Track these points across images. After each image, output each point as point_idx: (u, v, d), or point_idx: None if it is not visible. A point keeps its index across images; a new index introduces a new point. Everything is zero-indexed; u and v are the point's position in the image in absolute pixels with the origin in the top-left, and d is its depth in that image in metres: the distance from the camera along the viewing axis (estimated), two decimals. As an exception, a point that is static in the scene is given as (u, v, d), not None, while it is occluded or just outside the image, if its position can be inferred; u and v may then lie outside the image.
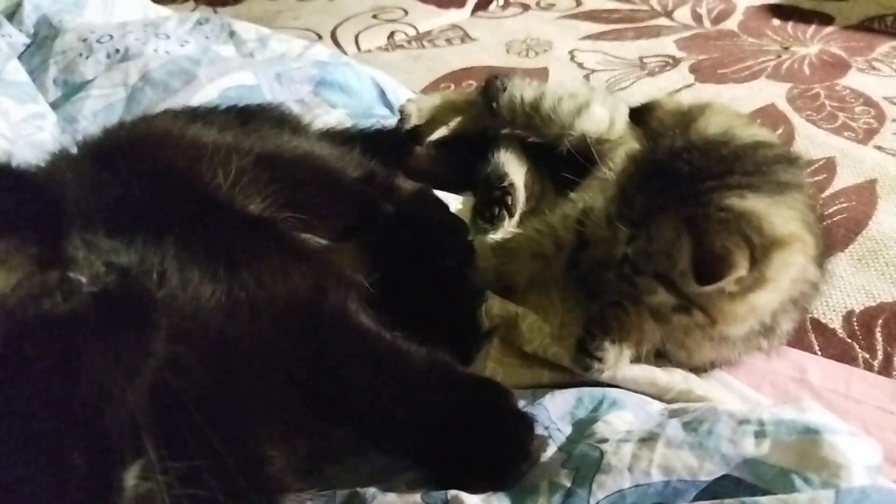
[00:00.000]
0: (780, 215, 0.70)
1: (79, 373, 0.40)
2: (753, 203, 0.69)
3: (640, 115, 0.81)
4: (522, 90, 1.14)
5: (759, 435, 0.62)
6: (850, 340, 0.90)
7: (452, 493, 0.64)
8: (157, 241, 0.63)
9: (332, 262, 0.77)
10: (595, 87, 1.40)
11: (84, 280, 0.43)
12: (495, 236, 1.00)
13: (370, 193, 0.88)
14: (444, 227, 0.91)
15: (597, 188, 0.94)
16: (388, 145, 1.07)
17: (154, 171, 0.73)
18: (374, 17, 2.00)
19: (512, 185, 1.07)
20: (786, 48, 1.65)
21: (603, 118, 1.07)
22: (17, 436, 0.37)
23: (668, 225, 0.71)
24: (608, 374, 0.76)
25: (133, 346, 0.45)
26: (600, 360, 0.75)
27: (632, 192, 0.75)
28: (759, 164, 0.73)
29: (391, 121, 1.27)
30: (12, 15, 1.58)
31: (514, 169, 1.11)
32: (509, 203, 1.05)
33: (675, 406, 0.72)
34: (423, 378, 0.69)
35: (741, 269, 0.67)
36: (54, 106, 1.33)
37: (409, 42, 1.88)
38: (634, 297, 0.77)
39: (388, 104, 1.39)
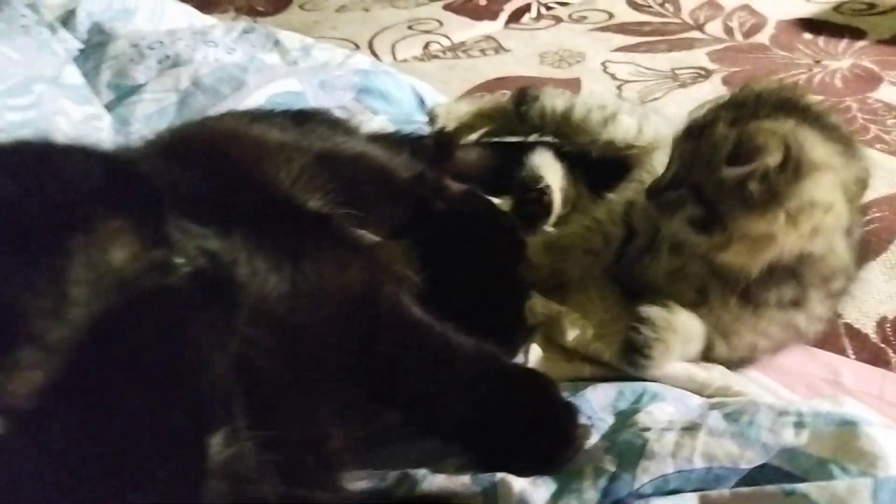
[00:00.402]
0: (823, 148, 0.75)
1: (181, 341, 0.44)
2: (803, 131, 0.75)
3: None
4: (554, 100, 1.18)
5: (798, 426, 0.65)
6: (883, 345, 0.92)
7: (500, 475, 0.67)
8: (227, 232, 0.67)
9: (384, 258, 0.81)
10: (624, 98, 1.44)
11: (181, 260, 0.47)
12: (534, 236, 1.03)
13: (421, 192, 0.92)
14: (497, 225, 0.95)
15: (635, 189, 0.98)
16: (431, 149, 1.11)
17: (222, 167, 0.77)
18: (410, 27, 2.05)
19: (548, 186, 1.11)
20: (817, 62, 1.67)
21: (630, 127, 1.12)
22: (128, 393, 0.41)
23: (719, 131, 0.76)
24: (656, 372, 0.79)
25: (222, 322, 0.49)
26: (648, 357, 0.78)
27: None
28: (816, 110, 0.81)
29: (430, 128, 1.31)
30: (66, 22, 1.64)
31: (549, 172, 1.14)
32: (546, 203, 1.09)
33: (714, 400, 0.75)
34: (471, 367, 0.73)
35: (773, 156, 0.71)
36: (107, 108, 1.39)
37: (443, 52, 1.92)
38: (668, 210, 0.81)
39: (427, 112, 1.43)
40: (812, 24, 1.86)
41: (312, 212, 0.79)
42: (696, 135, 0.80)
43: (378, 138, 1.07)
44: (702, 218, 0.78)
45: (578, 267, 0.95)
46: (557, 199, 1.12)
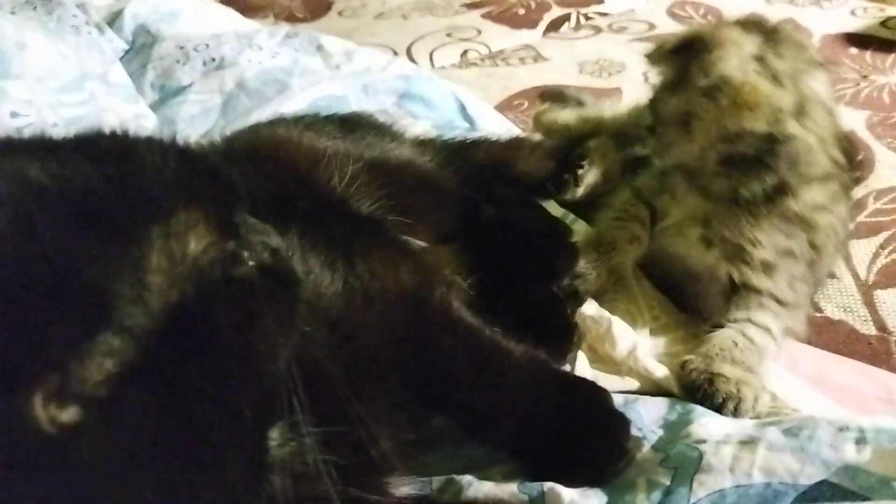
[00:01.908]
0: (734, 33, 0.88)
1: (251, 332, 0.44)
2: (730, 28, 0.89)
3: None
4: None
5: (860, 442, 0.63)
6: (937, 364, 0.89)
7: (549, 485, 0.66)
8: (283, 231, 0.67)
9: (433, 262, 0.81)
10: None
11: (247, 254, 0.47)
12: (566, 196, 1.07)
13: (472, 198, 0.92)
14: (549, 230, 0.94)
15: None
16: (481, 155, 1.11)
17: (276, 173, 0.77)
18: (448, 35, 2.05)
19: (588, 160, 1.11)
20: (864, 76, 1.64)
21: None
22: (199, 383, 0.41)
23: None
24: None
25: (284, 316, 0.49)
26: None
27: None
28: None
29: (474, 134, 1.31)
30: (112, 23, 1.67)
31: (597, 155, 1.14)
32: (577, 173, 1.09)
33: (769, 419, 0.73)
34: (521, 374, 0.72)
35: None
36: (152, 108, 1.41)
37: (482, 60, 1.92)
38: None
39: (468, 118, 1.42)
40: (858, 39, 1.83)
41: (364, 214, 0.79)
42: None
43: (424, 143, 1.07)
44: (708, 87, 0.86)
45: (629, 257, 0.96)
46: (593, 173, 1.11)
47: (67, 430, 0.36)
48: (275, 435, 0.48)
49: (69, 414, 0.36)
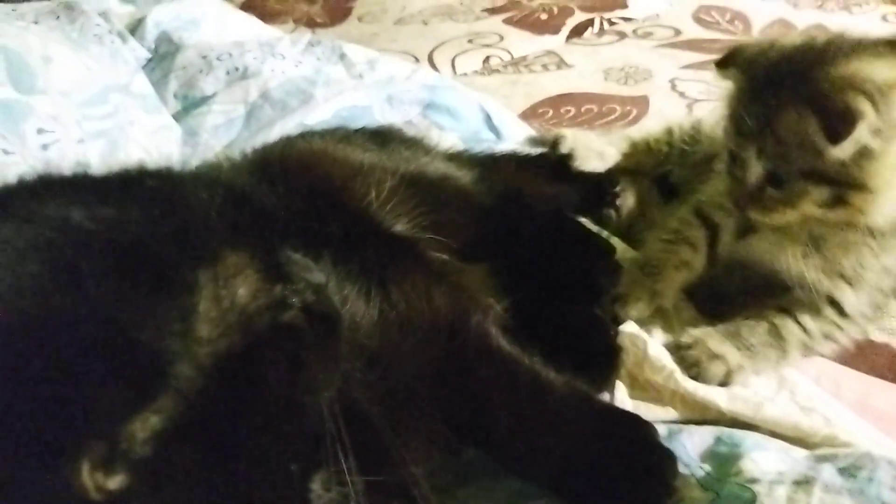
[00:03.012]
0: (884, 66, 0.76)
1: (297, 380, 0.42)
2: (855, 64, 0.76)
3: (726, 61, 0.88)
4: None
5: (923, 484, 0.60)
6: None
7: (590, 522, 0.64)
8: (317, 255, 0.65)
9: (470, 285, 0.79)
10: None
11: (293, 295, 0.45)
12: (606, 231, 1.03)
13: (510, 214, 0.90)
14: (590, 247, 0.92)
15: (702, 182, 0.99)
16: (512, 169, 1.08)
17: (311, 188, 0.76)
18: (470, 41, 2.03)
19: (622, 186, 1.10)
20: None
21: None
22: (245, 436, 0.39)
23: (791, 116, 0.76)
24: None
25: (329, 359, 0.47)
26: None
27: (743, 110, 0.80)
28: (850, 41, 0.80)
29: (500, 146, 1.29)
30: (134, 31, 1.66)
31: (628, 182, 1.12)
32: (617, 204, 1.08)
33: (822, 452, 0.71)
34: (562, 406, 0.69)
35: (868, 114, 0.73)
36: (175, 118, 1.39)
37: (504, 67, 1.90)
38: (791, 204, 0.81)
39: (493, 129, 1.40)
40: (891, 46, 1.79)
41: (399, 236, 0.77)
42: (757, 130, 0.79)
43: (456, 157, 1.05)
44: (833, 196, 0.79)
45: (675, 283, 0.92)
46: (629, 201, 1.10)
47: (115, 497, 0.34)
48: (317, 484, 0.46)
49: (116, 481, 0.34)
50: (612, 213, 1.06)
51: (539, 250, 0.87)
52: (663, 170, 1.16)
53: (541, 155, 1.20)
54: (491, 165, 1.07)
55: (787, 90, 0.77)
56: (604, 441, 0.68)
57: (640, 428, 0.70)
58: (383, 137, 0.99)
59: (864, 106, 0.72)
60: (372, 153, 0.88)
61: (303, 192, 0.74)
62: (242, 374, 0.39)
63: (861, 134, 0.73)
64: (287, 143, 0.94)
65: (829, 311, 0.87)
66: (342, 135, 0.97)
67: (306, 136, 1.01)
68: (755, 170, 0.81)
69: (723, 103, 0.89)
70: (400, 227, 0.78)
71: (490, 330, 0.72)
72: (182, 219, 0.41)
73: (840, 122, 0.73)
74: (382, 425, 0.56)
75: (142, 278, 0.37)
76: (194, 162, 1.00)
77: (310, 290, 0.48)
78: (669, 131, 1.20)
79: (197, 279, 0.39)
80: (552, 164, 1.15)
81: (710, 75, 1.69)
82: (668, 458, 0.68)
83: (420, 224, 0.79)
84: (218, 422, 0.38)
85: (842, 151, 0.75)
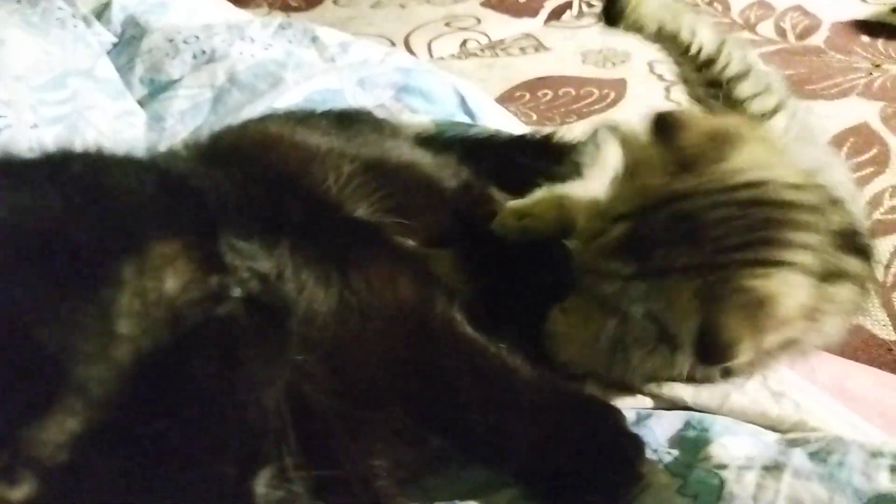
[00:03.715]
0: (795, 293, 0.64)
1: (233, 380, 0.40)
2: (776, 285, 0.63)
3: (666, 131, 0.69)
4: None
5: (895, 469, 0.59)
6: (961, 371, 0.86)
7: (557, 511, 0.62)
8: (274, 241, 0.62)
9: (434, 269, 0.76)
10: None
11: (234, 285, 0.42)
12: None
13: (468, 202, 0.87)
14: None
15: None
16: (484, 153, 1.06)
17: (267, 173, 0.73)
18: (447, 24, 2.00)
19: None
20: (877, 66, 1.60)
21: None
22: (174, 439, 0.37)
23: (684, 290, 0.64)
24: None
25: (274, 354, 0.44)
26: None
27: (653, 234, 0.66)
28: (791, 228, 0.65)
29: (476, 130, 1.26)
30: (100, 15, 1.61)
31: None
32: None
33: (793, 436, 0.69)
34: (528, 392, 0.67)
35: (745, 356, 0.63)
36: (141, 103, 1.35)
37: (481, 50, 1.87)
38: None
39: (468, 112, 1.37)
40: (869, 27, 1.78)
41: (360, 220, 0.74)
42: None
43: (426, 141, 1.02)
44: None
45: None
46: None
47: (22, 507, 0.31)
48: (261, 483, 0.44)
49: (22, 490, 0.31)
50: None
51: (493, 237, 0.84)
52: None
53: (520, 137, 1.17)
54: (464, 149, 1.04)
55: (698, 263, 0.63)
56: (571, 427, 0.66)
57: (608, 414, 0.68)
58: (348, 121, 0.96)
59: (748, 347, 0.61)
60: (331, 137, 0.85)
61: (258, 177, 0.71)
62: (169, 373, 0.37)
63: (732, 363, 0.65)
64: (242, 127, 0.91)
65: None
66: (301, 118, 0.94)
67: (264, 119, 0.98)
68: (615, 271, 0.68)
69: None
70: (361, 211, 0.75)
71: (455, 316, 0.69)
72: (107, 206, 0.38)
73: (717, 350, 0.62)
74: (335, 418, 0.53)
75: (53, 271, 0.34)
76: (161, 147, 0.97)
77: (255, 280, 0.45)
78: None
79: (119, 271, 0.36)
80: (532, 146, 1.12)
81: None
82: (635, 445, 0.66)
83: (383, 208, 0.76)
84: (142, 424, 0.35)
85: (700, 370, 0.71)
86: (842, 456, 0.61)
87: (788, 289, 0.63)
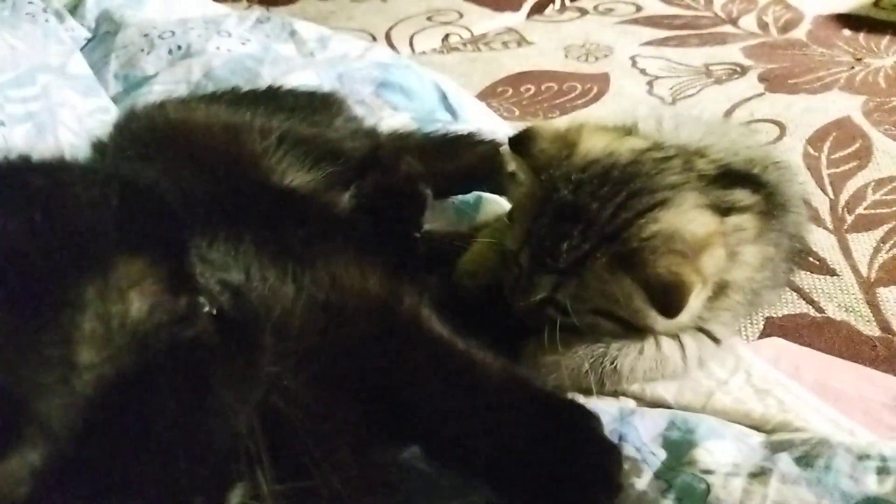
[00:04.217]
0: (693, 219, 0.71)
1: (201, 398, 0.38)
2: (670, 219, 0.70)
3: (520, 145, 0.79)
4: None
5: (882, 472, 0.58)
6: (945, 368, 0.85)
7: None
8: (238, 239, 0.60)
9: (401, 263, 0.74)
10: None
11: (203, 301, 0.40)
12: None
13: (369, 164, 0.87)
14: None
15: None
16: (450, 152, 1.05)
17: (198, 158, 0.71)
18: (429, 18, 1.98)
19: None
20: (858, 59, 1.59)
21: None
22: (140, 467, 0.35)
23: (602, 269, 0.70)
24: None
25: (245, 370, 0.43)
26: None
27: (546, 238, 0.72)
28: (651, 176, 0.73)
29: (455, 126, 1.24)
30: (74, 9, 1.57)
31: None
32: None
33: (778, 438, 0.68)
34: (500, 394, 0.64)
35: (698, 285, 0.68)
36: (115, 100, 1.33)
37: (464, 45, 1.85)
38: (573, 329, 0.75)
39: (449, 108, 1.36)
40: (851, 20, 1.77)
41: (299, 192, 0.73)
42: (557, 263, 0.72)
43: (403, 137, 1.01)
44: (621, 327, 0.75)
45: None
46: None
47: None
48: (235, 496, 0.42)
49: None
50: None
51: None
52: None
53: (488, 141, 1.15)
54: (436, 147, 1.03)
55: (597, 239, 0.70)
56: (545, 434, 0.62)
57: (583, 418, 0.65)
58: (265, 97, 0.95)
59: (694, 277, 0.67)
60: (246, 113, 0.84)
61: (183, 161, 0.68)
62: (134, 402, 0.35)
63: (693, 303, 0.68)
64: (156, 111, 0.89)
65: None
66: (213, 97, 0.92)
67: (178, 102, 0.96)
68: (538, 291, 0.74)
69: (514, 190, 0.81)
70: (297, 179, 0.73)
71: (422, 312, 0.67)
72: (69, 223, 0.35)
73: (671, 296, 0.67)
74: (307, 428, 0.51)
75: (10, 296, 0.32)
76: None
77: (226, 293, 0.43)
78: None
79: (82, 295, 0.34)
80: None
81: (671, 52, 1.68)
82: (613, 453, 0.63)
83: (315, 170, 0.75)
84: (105, 455, 0.33)
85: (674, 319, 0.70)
86: (828, 460, 0.60)
87: (685, 220, 0.70)
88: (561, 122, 0.89)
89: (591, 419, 0.66)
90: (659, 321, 0.72)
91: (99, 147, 0.86)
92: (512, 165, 0.96)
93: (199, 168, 0.70)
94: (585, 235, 0.71)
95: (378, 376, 0.62)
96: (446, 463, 0.66)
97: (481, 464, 0.63)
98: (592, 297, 0.72)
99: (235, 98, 0.96)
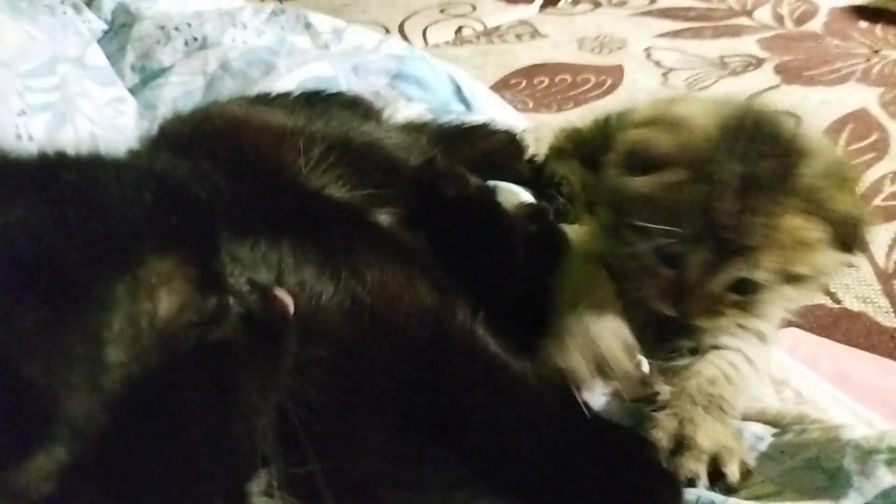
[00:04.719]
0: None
1: (226, 399, 0.38)
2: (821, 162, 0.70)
3: (634, 159, 0.74)
4: None
5: (892, 463, 0.57)
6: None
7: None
8: (275, 241, 0.60)
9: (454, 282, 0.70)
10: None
11: (232, 301, 0.40)
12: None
13: (430, 178, 0.84)
14: (498, 223, 0.85)
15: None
16: (466, 141, 1.05)
17: (239, 160, 0.70)
18: (442, 11, 1.98)
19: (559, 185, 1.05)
20: (875, 51, 1.58)
21: None
22: (164, 467, 0.35)
23: (790, 225, 0.68)
24: None
25: (271, 370, 0.43)
26: None
27: (733, 216, 0.67)
28: (773, 124, 0.73)
29: (469, 117, 1.25)
30: (90, 2, 1.58)
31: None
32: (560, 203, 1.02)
33: (789, 438, 0.67)
34: (551, 417, 0.62)
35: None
36: (132, 91, 1.33)
37: (477, 37, 1.85)
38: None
39: (463, 100, 1.36)
40: (868, 12, 1.76)
41: (338, 200, 0.72)
42: (740, 234, 0.68)
43: (418, 128, 1.01)
44: None
45: None
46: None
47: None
48: (256, 488, 0.43)
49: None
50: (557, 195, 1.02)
51: (455, 214, 0.82)
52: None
53: (504, 131, 1.15)
54: (453, 139, 1.03)
55: (781, 195, 0.67)
56: (597, 459, 0.60)
57: (641, 447, 0.62)
58: (317, 101, 0.94)
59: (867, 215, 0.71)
60: (297, 118, 0.82)
61: (227, 163, 0.68)
62: (158, 402, 0.35)
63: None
64: (205, 112, 0.88)
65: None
66: (266, 100, 0.92)
67: (227, 104, 0.95)
68: (723, 276, 0.69)
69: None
70: (335, 192, 0.73)
71: (477, 328, 0.65)
72: (101, 220, 0.35)
73: (853, 232, 0.70)
74: (338, 424, 0.51)
75: (40, 294, 0.32)
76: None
77: (256, 295, 0.43)
78: (605, 119, 1.09)
79: (112, 293, 0.34)
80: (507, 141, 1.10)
81: (686, 44, 1.67)
82: (671, 483, 0.60)
83: (352, 185, 0.74)
84: (128, 456, 0.34)
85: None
86: (839, 460, 0.59)
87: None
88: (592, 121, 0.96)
89: (647, 445, 0.63)
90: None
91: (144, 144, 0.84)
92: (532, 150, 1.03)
93: (243, 170, 0.69)
94: (773, 197, 0.67)
95: (420, 382, 0.60)
96: (489, 480, 0.64)
97: (522, 484, 0.61)
98: (794, 258, 0.69)
99: (288, 103, 0.95)
